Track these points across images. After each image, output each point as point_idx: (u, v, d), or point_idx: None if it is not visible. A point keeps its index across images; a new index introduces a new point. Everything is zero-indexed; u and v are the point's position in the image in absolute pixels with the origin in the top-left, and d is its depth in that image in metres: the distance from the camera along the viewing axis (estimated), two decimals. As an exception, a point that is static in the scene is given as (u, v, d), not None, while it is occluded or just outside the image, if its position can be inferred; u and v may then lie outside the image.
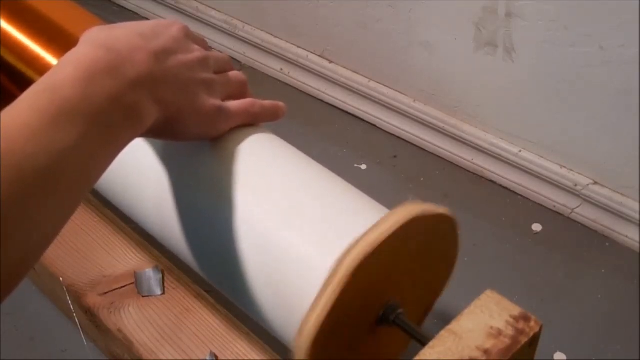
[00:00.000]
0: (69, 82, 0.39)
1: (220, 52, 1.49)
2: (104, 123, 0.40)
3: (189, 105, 0.46)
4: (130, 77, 0.42)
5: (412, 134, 1.25)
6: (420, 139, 1.25)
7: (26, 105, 0.38)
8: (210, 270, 0.52)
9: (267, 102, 0.53)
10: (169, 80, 0.45)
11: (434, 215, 0.45)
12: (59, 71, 0.40)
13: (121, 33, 0.45)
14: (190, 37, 0.49)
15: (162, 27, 0.47)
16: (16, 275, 0.36)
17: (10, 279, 0.36)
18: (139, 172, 0.54)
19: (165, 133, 0.47)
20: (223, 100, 0.50)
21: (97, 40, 0.43)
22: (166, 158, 0.52)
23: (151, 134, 0.45)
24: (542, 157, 1.11)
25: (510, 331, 0.42)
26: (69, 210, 0.39)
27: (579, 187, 1.08)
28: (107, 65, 0.41)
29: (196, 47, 0.49)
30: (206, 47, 0.51)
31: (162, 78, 0.44)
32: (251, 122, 0.52)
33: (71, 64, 0.41)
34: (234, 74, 0.53)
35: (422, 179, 1.19)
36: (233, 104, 0.50)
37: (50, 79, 0.40)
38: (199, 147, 0.51)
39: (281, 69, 1.40)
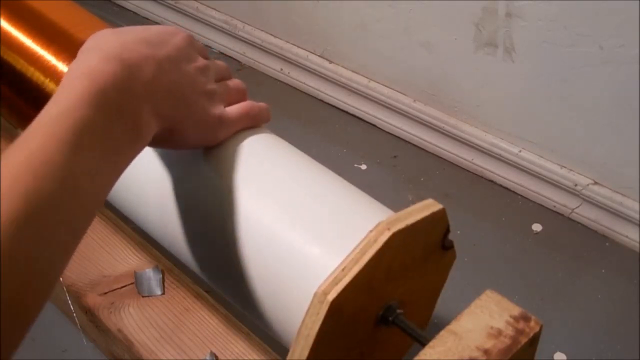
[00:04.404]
0: (82, 104, 0.38)
1: (221, 52, 1.49)
2: (113, 144, 0.40)
3: (190, 115, 0.46)
4: (138, 91, 0.42)
5: (412, 134, 1.25)
6: (420, 139, 1.25)
7: (42, 132, 0.37)
8: (210, 271, 0.52)
9: (262, 104, 0.53)
10: (171, 90, 0.44)
11: (430, 216, 0.45)
12: (71, 89, 0.39)
13: (130, 40, 0.44)
14: (193, 46, 0.49)
15: (168, 34, 0.47)
16: (39, 295, 0.37)
17: (33, 299, 0.36)
18: (139, 173, 0.54)
19: (166, 143, 0.47)
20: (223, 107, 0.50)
21: (108, 50, 0.42)
22: (166, 158, 0.52)
23: (152, 144, 0.45)
24: (542, 157, 1.12)
25: (510, 331, 0.42)
26: (81, 230, 0.39)
27: (579, 187, 1.08)
28: (119, 81, 0.41)
29: (198, 56, 0.48)
30: (206, 55, 0.51)
31: (165, 89, 0.44)
32: (251, 126, 0.52)
33: (84, 80, 0.40)
34: (234, 82, 0.52)
35: (422, 179, 1.19)
36: (233, 111, 0.50)
37: (64, 98, 0.39)
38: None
39: (281, 69, 1.40)
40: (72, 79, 0.40)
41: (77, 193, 0.37)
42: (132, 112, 0.41)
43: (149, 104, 0.42)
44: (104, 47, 0.43)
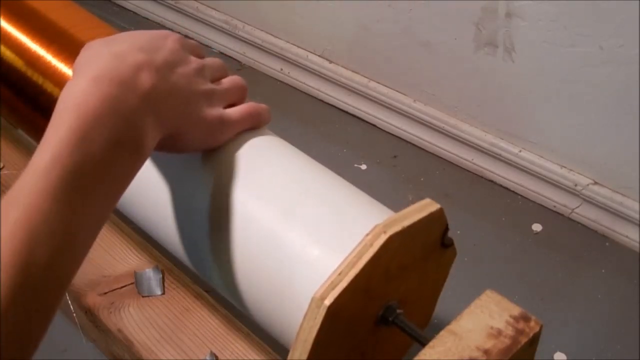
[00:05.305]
0: (72, 149, 0.38)
1: (221, 52, 1.49)
2: (112, 174, 0.40)
3: (190, 119, 0.46)
4: (136, 105, 0.41)
5: (412, 134, 1.25)
6: (420, 139, 1.25)
7: (36, 187, 0.37)
8: (210, 271, 0.52)
9: (263, 105, 0.52)
10: (171, 95, 0.44)
11: (428, 217, 0.45)
12: (61, 127, 0.38)
13: (124, 50, 0.43)
14: (186, 47, 0.48)
15: (159, 39, 0.46)
16: (35, 343, 0.39)
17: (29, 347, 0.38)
18: (139, 173, 0.54)
19: (168, 148, 0.46)
20: (224, 107, 0.49)
21: (99, 69, 0.41)
22: (166, 159, 0.52)
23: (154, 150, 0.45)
24: (542, 157, 1.12)
25: (510, 331, 0.42)
26: (75, 269, 0.40)
27: (579, 187, 1.08)
28: (113, 102, 0.40)
29: (192, 57, 0.48)
30: (200, 53, 0.50)
31: (165, 95, 0.43)
32: (253, 127, 0.51)
33: (73, 115, 0.39)
34: (232, 79, 0.51)
35: (422, 179, 1.19)
36: (234, 112, 0.49)
37: (55, 139, 0.38)
38: (199, 147, 0.50)
39: (281, 69, 1.40)
40: (62, 112, 0.39)
41: (75, 244, 0.38)
42: (131, 130, 0.41)
43: (150, 115, 0.42)
44: (95, 65, 0.41)
